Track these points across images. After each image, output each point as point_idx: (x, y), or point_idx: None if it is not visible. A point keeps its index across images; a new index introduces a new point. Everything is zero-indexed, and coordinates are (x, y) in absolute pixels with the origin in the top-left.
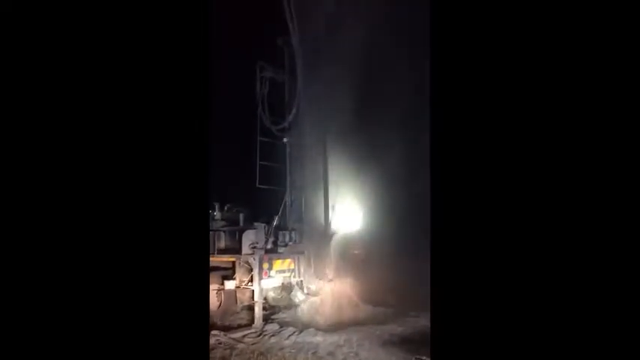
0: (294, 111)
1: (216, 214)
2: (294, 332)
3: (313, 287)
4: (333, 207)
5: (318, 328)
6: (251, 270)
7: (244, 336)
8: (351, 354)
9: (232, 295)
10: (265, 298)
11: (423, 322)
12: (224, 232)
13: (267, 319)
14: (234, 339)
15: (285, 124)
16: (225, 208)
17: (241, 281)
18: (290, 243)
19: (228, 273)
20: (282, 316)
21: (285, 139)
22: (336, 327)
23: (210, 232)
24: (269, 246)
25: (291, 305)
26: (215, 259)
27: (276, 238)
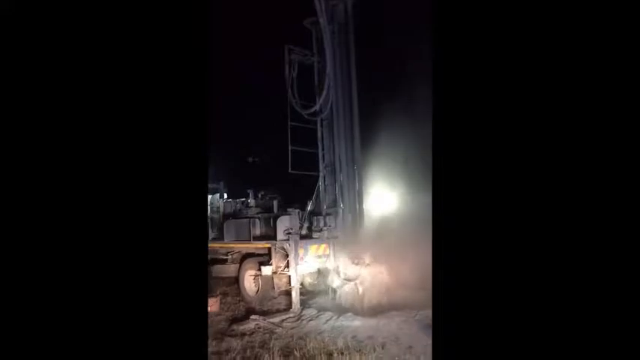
0: (324, 94)
1: (251, 201)
2: (332, 317)
3: (350, 272)
4: (367, 190)
5: (356, 313)
6: (287, 256)
7: (283, 320)
8: (391, 338)
9: (269, 280)
10: (302, 284)
11: None
12: (258, 218)
13: (304, 304)
14: (273, 323)
15: (316, 108)
16: (259, 195)
17: (278, 267)
18: (325, 228)
19: (265, 259)
20: (319, 301)
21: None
22: (374, 311)
23: (245, 220)
24: (304, 231)
25: (328, 290)
26: (251, 246)
27: (311, 223)
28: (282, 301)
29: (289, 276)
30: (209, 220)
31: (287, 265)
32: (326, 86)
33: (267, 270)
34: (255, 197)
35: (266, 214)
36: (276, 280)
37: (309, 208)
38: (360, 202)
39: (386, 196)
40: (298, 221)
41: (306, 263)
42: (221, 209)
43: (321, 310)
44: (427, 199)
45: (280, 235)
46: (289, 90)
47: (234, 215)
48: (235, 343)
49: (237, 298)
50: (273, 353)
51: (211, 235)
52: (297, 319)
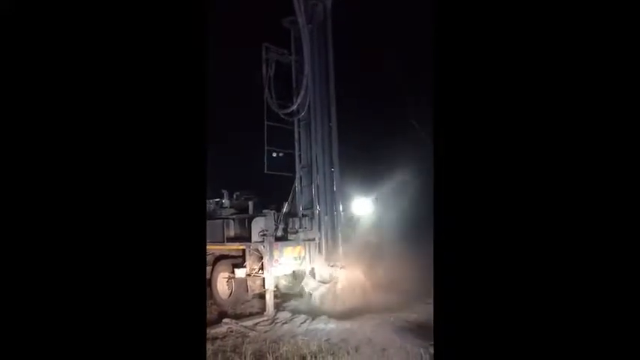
0: (301, 94)
1: (225, 201)
2: (307, 320)
3: (325, 274)
4: (343, 192)
5: (330, 316)
6: (261, 258)
7: (256, 324)
8: (365, 341)
9: (243, 283)
10: (276, 286)
11: None
12: (233, 220)
13: (278, 307)
14: (246, 327)
15: (293, 108)
16: (234, 195)
17: (252, 269)
18: (300, 230)
19: (239, 261)
20: (293, 303)
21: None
22: (348, 314)
23: (219, 221)
24: (279, 233)
25: (303, 293)
26: (225, 248)
27: (287, 225)
28: (255, 304)
29: (263, 278)
30: None
31: (261, 268)
32: (303, 86)
33: (240, 272)
34: (230, 198)
35: (241, 215)
36: (249, 283)
37: (284, 209)
38: (337, 204)
39: (362, 199)
40: (273, 223)
41: (281, 265)
42: None
43: (296, 313)
44: (404, 201)
45: (255, 237)
46: (266, 89)
47: (208, 216)
48: (206, 347)
49: (210, 302)
50: (245, 357)
51: None
52: (271, 323)
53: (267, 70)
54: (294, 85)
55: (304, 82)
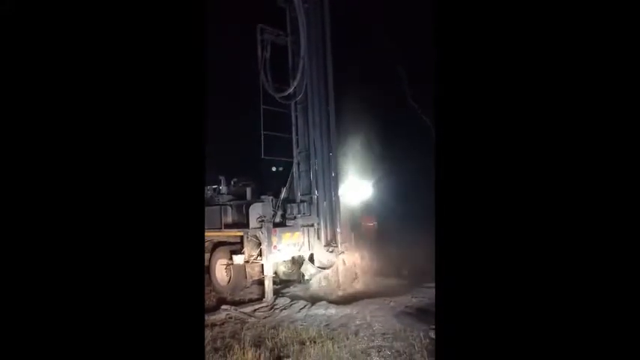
0: (298, 76)
1: (223, 188)
2: (306, 306)
3: (324, 260)
4: (341, 177)
5: (329, 301)
6: (260, 244)
7: (255, 310)
8: (365, 325)
9: (242, 269)
10: (275, 272)
11: None
12: (231, 206)
13: (277, 294)
14: (245, 313)
15: (290, 91)
16: (232, 182)
17: (250, 256)
18: (299, 215)
19: (237, 248)
20: (293, 290)
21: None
22: (348, 300)
23: (217, 207)
24: (277, 219)
25: (302, 279)
26: (222, 234)
27: (285, 210)
28: (254, 291)
29: (262, 265)
30: None
31: (260, 254)
32: (300, 68)
33: (239, 259)
34: (228, 184)
35: (238, 202)
36: (248, 270)
37: (282, 195)
38: (336, 189)
39: (361, 183)
40: (271, 208)
41: (280, 252)
42: None
43: (295, 298)
44: (403, 186)
45: (253, 223)
46: (262, 72)
47: (206, 203)
48: (205, 334)
49: (208, 288)
50: (244, 343)
51: None
52: (270, 309)
53: (262, 52)
54: (290, 67)
55: (301, 64)
